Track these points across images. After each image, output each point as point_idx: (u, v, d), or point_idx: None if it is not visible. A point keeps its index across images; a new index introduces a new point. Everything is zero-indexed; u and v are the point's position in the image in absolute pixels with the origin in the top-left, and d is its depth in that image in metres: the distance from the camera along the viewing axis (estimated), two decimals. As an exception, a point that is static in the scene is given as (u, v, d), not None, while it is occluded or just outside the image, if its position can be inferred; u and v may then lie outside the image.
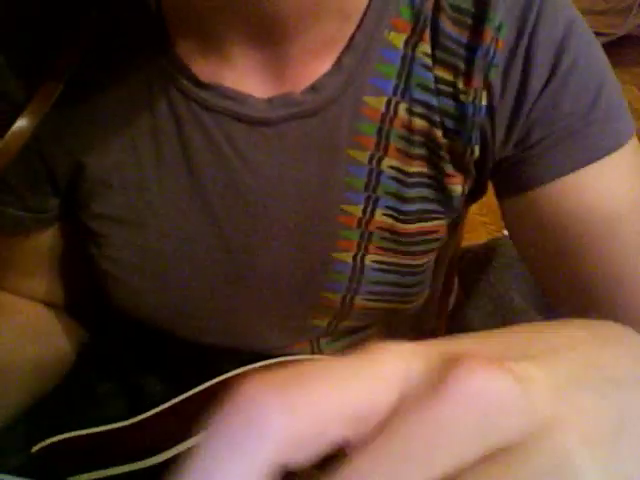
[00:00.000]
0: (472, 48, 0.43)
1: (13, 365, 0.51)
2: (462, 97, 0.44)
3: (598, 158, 0.45)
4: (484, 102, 0.44)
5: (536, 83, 0.44)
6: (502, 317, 0.60)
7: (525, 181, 0.46)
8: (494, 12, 0.43)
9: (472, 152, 0.46)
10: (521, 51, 0.43)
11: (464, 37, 0.43)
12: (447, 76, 0.44)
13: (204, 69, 0.44)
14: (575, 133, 0.45)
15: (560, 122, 0.45)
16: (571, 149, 0.45)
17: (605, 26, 1.90)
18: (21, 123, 0.42)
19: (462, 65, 0.44)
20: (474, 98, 0.44)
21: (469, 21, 0.43)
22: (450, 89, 0.44)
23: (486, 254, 0.67)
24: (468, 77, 0.44)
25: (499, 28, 0.43)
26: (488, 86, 0.44)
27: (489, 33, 0.43)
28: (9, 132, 0.42)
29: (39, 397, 0.55)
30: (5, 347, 0.52)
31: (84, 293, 0.60)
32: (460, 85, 0.44)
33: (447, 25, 0.43)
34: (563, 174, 0.45)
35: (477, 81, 0.44)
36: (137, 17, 0.44)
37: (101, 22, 0.43)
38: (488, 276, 0.67)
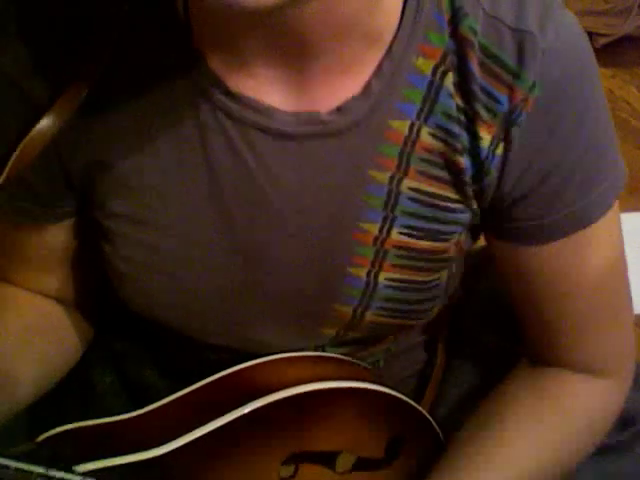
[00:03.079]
0: (499, 100, 0.44)
1: (19, 359, 0.52)
2: (479, 141, 0.45)
3: (586, 226, 0.48)
4: (499, 152, 0.45)
5: (555, 154, 0.46)
6: (502, 317, 0.60)
7: (509, 236, 0.50)
8: (529, 71, 0.43)
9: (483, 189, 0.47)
10: (549, 120, 0.44)
11: (493, 88, 0.44)
12: (469, 113, 0.45)
13: (230, 79, 0.44)
14: (574, 205, 0.48)
15: (564, 195, 0.47)
16: (564, 219, 0.48)
17: (605, 26, 1.90)
18: (45, 123, 0.42)
19: (485, 114, 0.44)
20: (490, 144, 0.45)
21: (501, 74, 0.43)
22: (470, 126, 0.45)
23: (486, 256, 0.68)
24: (489, 125, 0.44)
25: (532, 88, 0.43)
26: (507, 140, 0.45)
27: (520, 92, 0.43)
28: (32, 131, 0.42)
29: (45, 391, 0.55)
30: (11, 341, 0.52)
31: (92, 290, 0.60)
32: (479, 130, 0.45)
33: (476, 69, 0.43)
34: (548, 242, 0.49)
35: (497, 131, 0.45)
36: (165, 26, 0.44)
37: (131, 28, 0.44)
38: (488, 277, 0.68)
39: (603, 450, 0.58)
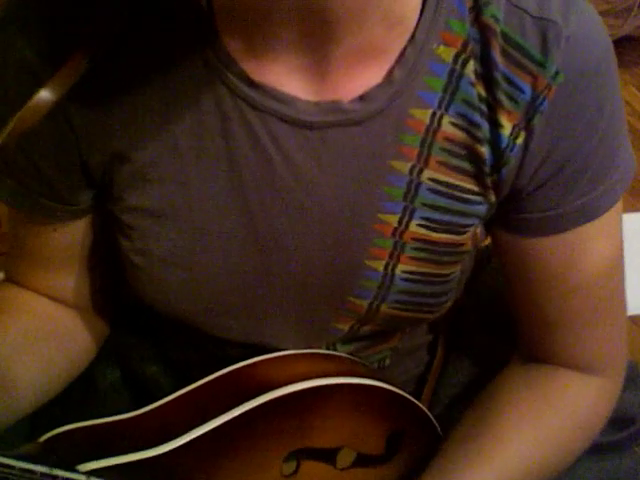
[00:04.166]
0: (521, 89, 0.44)
1: (17, 364, 0.51)
2: (500, 130, 0.45)
3: (594, 218, 0.49)
4: (520, 141, 0.46)
5: (574, 143, 0.46)
6: (501, 319, 0.60)
7: (519, 228, 0.50)
8: (552, 59, 0.43)
9: (501, 179, 0.48)
10: (570, 108, 0.45)
11: (516, 76, 0.44)
12: (491, 102, 0.45)
13: (251, 66, 0.44)
14: (586, 196, 0.48)
15: (578, 185, 0.47)
16: (575, 211, 0.48)
17: (605, 27, 1.90)
18: (41, 96, 0.41)
19: (507, 102, 0.44)
20: (511, 133, 0.45)
21: (524, 62, 0.44)
22: (491, 115, 0.45)
23: (486, 256, 0.68)
24: (510, 113, 0.45)
25: (555, 76, 0.43)
26: (529, 128, 0.45)
27: (543, 80, 0.44)
28: (30, 102, 0.41)
29: (48, 397, 0.55)
30: (10, 345, 0.52)
31: (104, 293, 0.60)
32: (500, 118, 0.45)
33: (499, 57, 0.43)
34: (556, 234, 0.49)
35: (519, 120, 0.45)
36: (186, 10, 0.44)
37: (148, 11, 0.44)
38: (488, 276, 0.68)
39: (603, 449, 0.58)
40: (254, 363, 0.54)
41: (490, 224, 0.52)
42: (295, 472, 0.53)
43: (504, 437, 0.52)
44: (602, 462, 0.58)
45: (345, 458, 0.54)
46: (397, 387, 0.56)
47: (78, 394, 0.60)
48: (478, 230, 0.51)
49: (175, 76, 0.45)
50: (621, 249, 0.53)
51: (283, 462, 0.52)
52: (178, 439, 0.49)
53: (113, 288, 0.59)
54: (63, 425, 0.50)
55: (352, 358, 0.58)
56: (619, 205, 0.50)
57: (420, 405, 0.58)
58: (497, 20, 0.43)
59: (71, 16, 0.44)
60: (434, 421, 0.58)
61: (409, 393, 0.57)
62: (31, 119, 0.42)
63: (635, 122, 1.75)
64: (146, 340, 0.65)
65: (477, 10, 0.43)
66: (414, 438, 0.57)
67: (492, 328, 0.64)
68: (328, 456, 0.54)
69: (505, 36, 0.43)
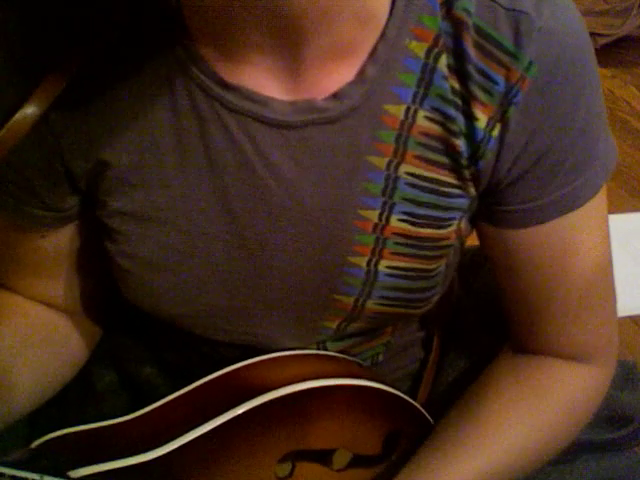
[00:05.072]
0: (495, 81, 0.44)
1: (13, 370, 0.51)
2: (475, 123, 0.45)
3: (575, 208, 0.48)
4: (496, 133, 0.45)
5: (551, 135, 0.46)
6: (501, 316, 0.60)
7: (501, 221, 0.50)
8: (525, 51, 0.43)
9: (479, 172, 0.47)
10: (546, 100, 0.44)
11: (489, 68, 0.44)
12: (465, 95, 0.45)
13: (224, 69, 0.44)
14: (566, 186, 0.48)
15: (558, 176, 0.47)
16: (556, 201, 0.48)
17: (605, 27, 1.90)
18: (26, 111, 0.42)
19: (481, 94, 0.44)
20: (486, 126, 0.45)
21: (497, 54, 0.43)
22: (466, 108, 0.45)
23: (485, 256, 0.68)
24: (485, 106, 0.45)
25: (528, 67, 0.43)
26: (504, 120, 0.45)
27: (516, 72, 0.43)
28: (12, 119, 0.42)
29: (43, 401, 0.55)
30: (5, 351, 0.52)
31: (96, 297, 0.60)
32: (474, 111, 0.45)
33: (471, 50, 0.43)
34: (539, 225, 0.49)
35: (494, 112, 0.45)
36: (158, 15, 0.44)
37: (120, 19, 0.44)
38: (487, 276, 0.68)
39: (602, 448, 0.58)
40: (249, 365, 0.54)
41: (474, 217, 0.52)
42: (290, 474, 0.53)
43: (490, 424, 0.52)
44: (601, 461, 0.58)
45: (341, 459, 0.54)
46: (393, 388, 0.55)
47: (76, 395, 0.60)
48: (462, 225, 0.51)
49: (152, 80, 0.45)
50: (607, 239, 0.52)
51: (278, 464, 0.52)
52: (172, 443, 0.48)
53: (104, 291, 0.59)
54: (61, 426, 0.50)
55: (348, 358, 0.57)
56: (602, 196, 0.50)
57: (417, 405, 0.57)
58: (469, 13, 0.43)
59: (50, 27, 0.44)
60: (431, 420, 0.58)
61: (405, 390, 0.57)
62: (17, 134, 0.42)
63: (635, 122, 1.75)
64: (141, 342, 0.65)
65: (449, 4, 0.43)
66: (411, 438, 0.57)
67: (491, 328, 0.64)
68: (324, 457, 0.53)
69: (477, 29, 0.43)
